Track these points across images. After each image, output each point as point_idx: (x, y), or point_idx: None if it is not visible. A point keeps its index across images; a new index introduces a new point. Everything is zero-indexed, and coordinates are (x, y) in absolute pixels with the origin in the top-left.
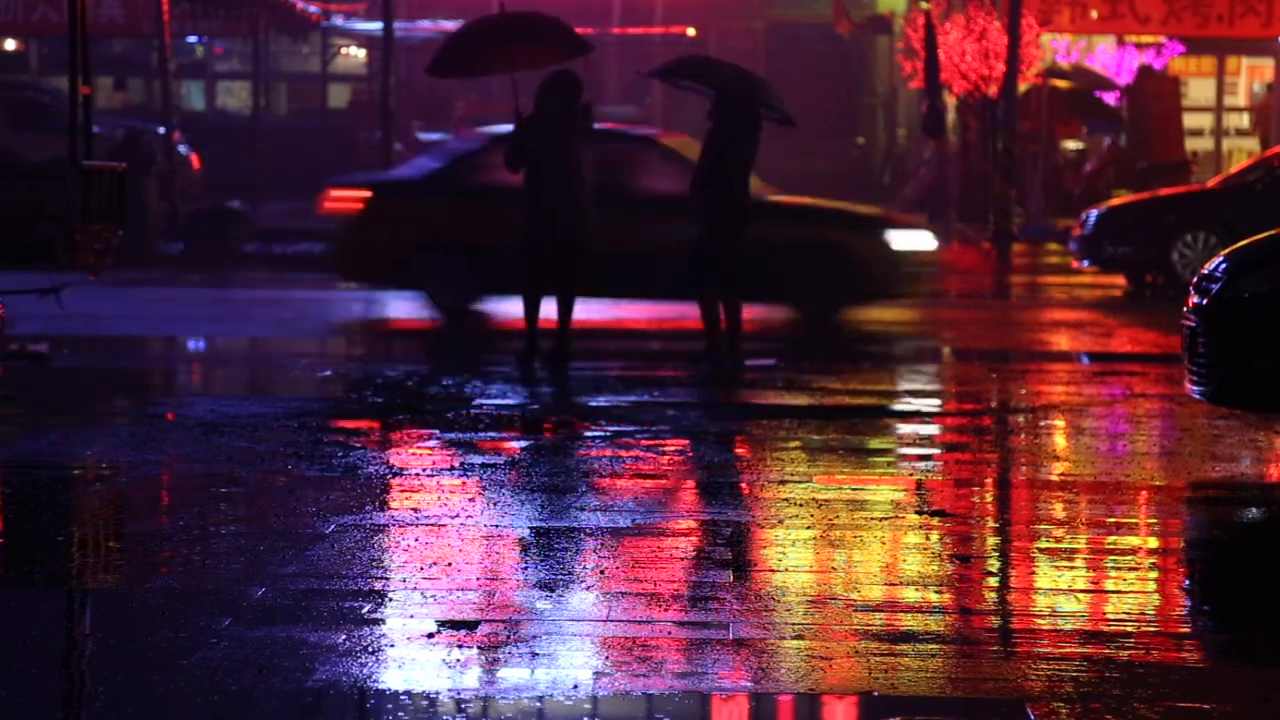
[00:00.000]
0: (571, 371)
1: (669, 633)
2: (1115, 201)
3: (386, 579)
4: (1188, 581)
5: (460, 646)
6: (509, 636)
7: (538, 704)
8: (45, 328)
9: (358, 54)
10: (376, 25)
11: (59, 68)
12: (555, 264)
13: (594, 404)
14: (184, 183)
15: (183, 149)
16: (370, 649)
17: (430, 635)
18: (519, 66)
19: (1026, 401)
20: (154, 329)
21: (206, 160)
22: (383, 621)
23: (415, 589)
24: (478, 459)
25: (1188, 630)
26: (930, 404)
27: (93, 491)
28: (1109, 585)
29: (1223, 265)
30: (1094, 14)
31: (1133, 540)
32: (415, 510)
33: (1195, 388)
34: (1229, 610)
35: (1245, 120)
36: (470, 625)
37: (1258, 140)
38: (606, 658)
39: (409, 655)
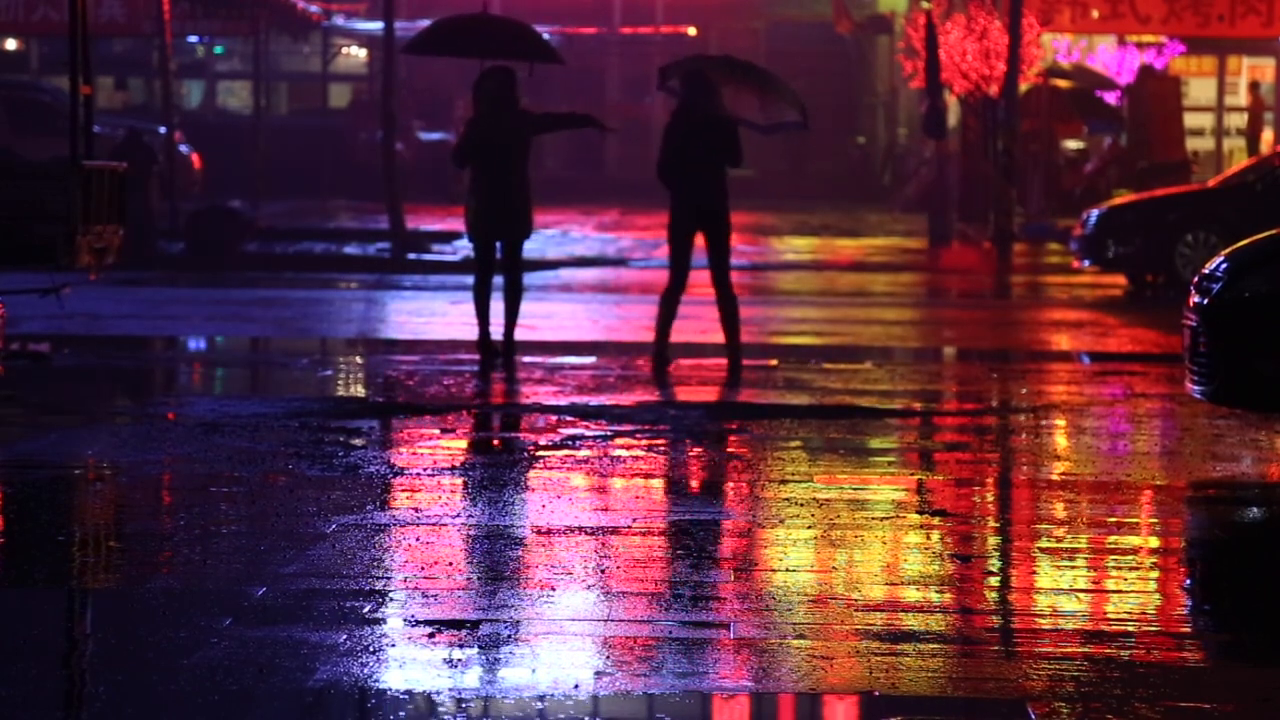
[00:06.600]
0: (568, 372)
1: (669, 632)
2: (1116, 201)
3: (387, 579)
4: (1188, 581)
5: (461, 646)
6: (509, 636)
7: (538, 704)
8: (46, 328)
9: (358, 54)
10: (377, 25)
11: (60, 67)
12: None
13: (594, 403)
14: (184, 183)
15: (183, 149)
16: (371, 649)
17: (431, 635)
18: (491, 56)
19: (1027, 401)
20: (154, 329)
21: (206, 160)
22: (383, 621)
23: (416, 589)
24: (478, 458)
25: (1188, 630)
26: (931, 404)
27: (93, 491)
28: (1110, 585)
29: (1223, 265)
30: (1095, 14)
31: (1133, 540)
32: (416, 510)
33: (1196, 387)
34: (1229, 610)
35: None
36: (471, 625)
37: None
38: (607, 657)
39: (410, 655)
